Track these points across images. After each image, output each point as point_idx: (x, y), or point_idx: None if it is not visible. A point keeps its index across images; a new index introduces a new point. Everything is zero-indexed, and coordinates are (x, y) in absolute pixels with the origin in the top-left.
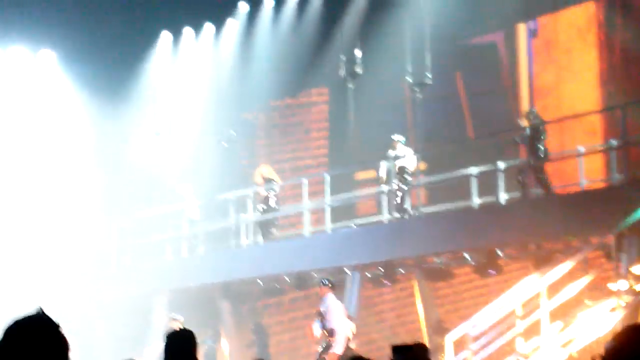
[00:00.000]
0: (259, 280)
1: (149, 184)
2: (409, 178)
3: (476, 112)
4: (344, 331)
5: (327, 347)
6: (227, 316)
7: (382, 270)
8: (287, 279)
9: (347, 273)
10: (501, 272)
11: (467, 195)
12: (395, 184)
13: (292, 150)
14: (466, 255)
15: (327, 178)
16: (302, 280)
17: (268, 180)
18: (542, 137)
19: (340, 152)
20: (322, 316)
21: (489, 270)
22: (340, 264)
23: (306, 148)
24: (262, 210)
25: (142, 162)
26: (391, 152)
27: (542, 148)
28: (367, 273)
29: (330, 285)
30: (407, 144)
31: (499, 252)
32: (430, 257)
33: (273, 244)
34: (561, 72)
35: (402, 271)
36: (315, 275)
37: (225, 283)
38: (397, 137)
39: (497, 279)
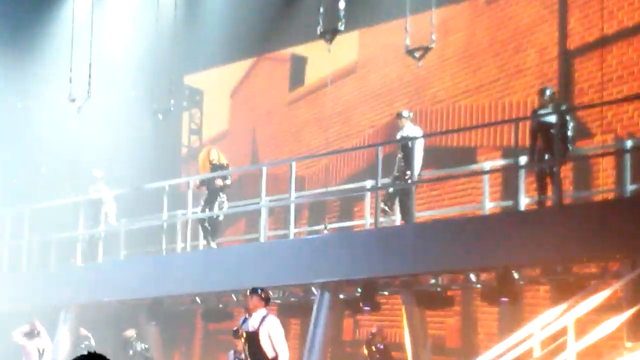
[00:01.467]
0: (197, 298)
1: (58, 165)
2: (416, 170)
3: None
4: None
5: None
6: (156, 343)
7: (361, 292)
8: (234, 297)
9: (313, 293)
10: (517, 300)
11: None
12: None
13: (252, 128)
14: (472, 277)
15: (293, 165)
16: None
17: (217, 167)
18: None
19: None
20: (247, 340)
21: (501, 297)
22: (305, 280)
23: (269, 137)
24: (206, 205)
25: (50, 137)
26: (397, 133)
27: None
28: (340, 294)
29: (264, 297)
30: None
31: (515, 274)
32: (424, 276)
33: (218, 252)
34: None
35: (387, 293)
36: (271, 294)
37: (153, 300)
38: (405, 112)
39: (511, 308)
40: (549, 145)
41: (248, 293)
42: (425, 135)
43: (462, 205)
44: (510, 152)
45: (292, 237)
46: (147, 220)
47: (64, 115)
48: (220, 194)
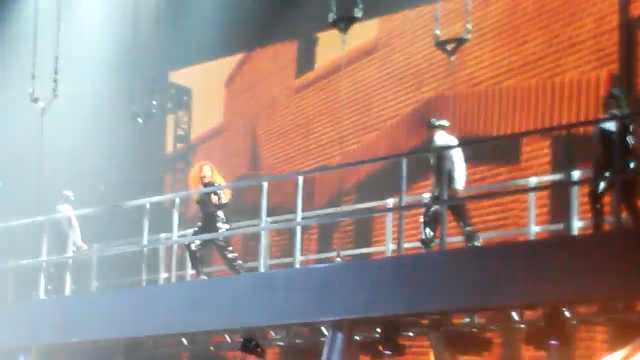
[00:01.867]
0: (183, 340)
1: (17, 179)
2: (457, 187)
3: None
4: None
5: None
6: None
7: (380, 332)
8: (227, 338)
9: (323, 334)
10: (568, 343)
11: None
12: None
13: (251, 121)
14: (513, 315)
15: (300, 180)
16: (251, 342)
17: (209, 186)
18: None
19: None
20: None
21: (550, 340)
22: (314, 318)
23: (273, 131)
24: (201, 232)
25: (8, 144)
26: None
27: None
28: (355, 335)
29: (257, 349)
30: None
31: (566, 313)
32: (457, 314)
33: (208, 284)
34: None
35: (412, 334)
36: (273, 334)
37: (131, 341)
38: (438, 121)
39: (561, 353)
40: (610, 157)
41: (239, 350)
42: (461, 144)
43: (503, 230)
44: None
45: (297, 265)
46: (123, 246)
47: (24, 119)
48: (218, 218)
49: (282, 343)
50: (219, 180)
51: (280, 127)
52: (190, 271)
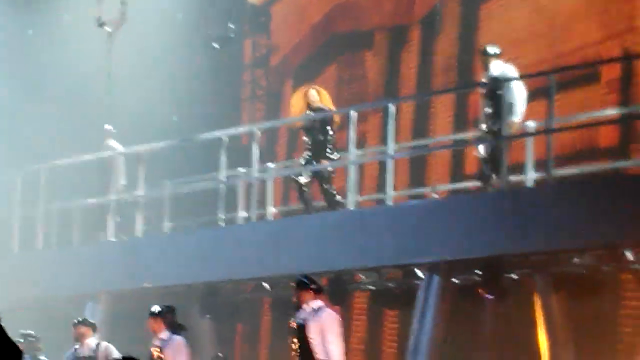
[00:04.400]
0: (264, 284)
1: (82, 111)
2: (515, 119)
3: None
4: None
5: None
6: (210, 341)
7: (481, 274)
8: None
9: (418, 277)
10: None
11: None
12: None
13: (345, 58)
14: (628, 254)
15: (392, 108)
16: (339, 285)
17: (316, 111)
18: None
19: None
20: (297, 335)
21: None
22: (407, 260)
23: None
24: (307, 158)
25: (72, 74)
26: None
27: None
28: (453, 278)
29: (314, 289)
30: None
31: None
32: (565, 254)
33: (291, 222)
34: None
35: (516, 277)
36: (363, 277)
37: (208, 286)
38: (492, 48)
39: None
40: None
41: (294, 285)
42: (527, 75)
43: (613, 161)
44: None
45: (389, 202)
46: (198, 182)
47: (90, 45)
48: (329, 147)
49: (372, 287)
50: (329, 104)
51: None
52: (271, 209)
